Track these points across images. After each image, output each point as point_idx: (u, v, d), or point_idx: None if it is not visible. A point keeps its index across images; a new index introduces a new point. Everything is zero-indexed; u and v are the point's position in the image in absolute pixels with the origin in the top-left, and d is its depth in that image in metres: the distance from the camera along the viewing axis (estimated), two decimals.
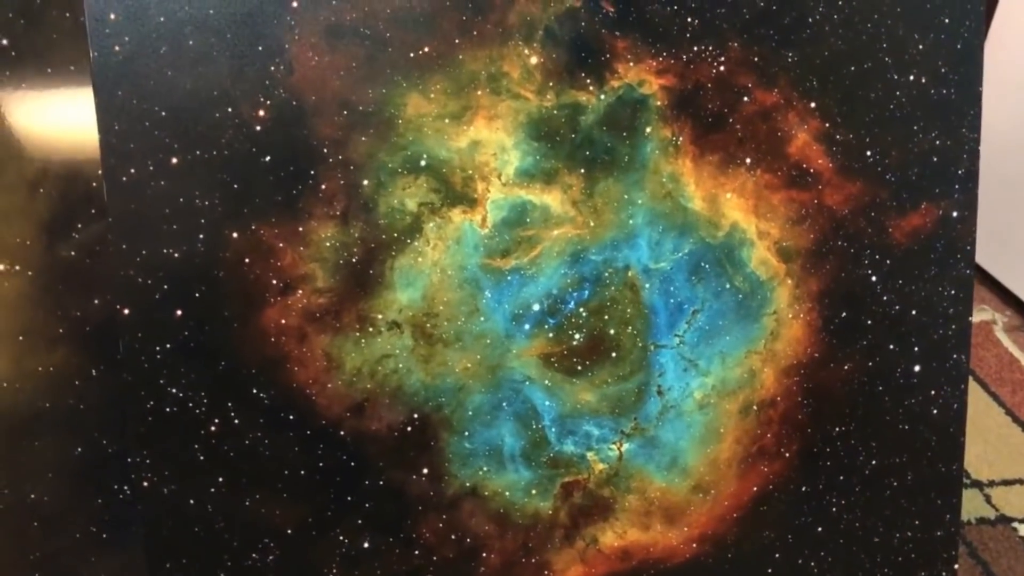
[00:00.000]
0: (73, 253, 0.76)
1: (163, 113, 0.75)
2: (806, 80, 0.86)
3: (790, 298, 0.90)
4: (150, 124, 0.74)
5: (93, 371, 0.77)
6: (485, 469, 0.85)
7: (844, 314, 0.91)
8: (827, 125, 0.87)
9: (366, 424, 0.82)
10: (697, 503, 0.91)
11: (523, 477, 0.87)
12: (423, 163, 0.80)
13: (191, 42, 0.74)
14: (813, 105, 0.87)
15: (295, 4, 0.76)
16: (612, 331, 0.86)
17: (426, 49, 0.79)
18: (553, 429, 0.86)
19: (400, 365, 0.82)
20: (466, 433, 0.84)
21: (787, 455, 0.93)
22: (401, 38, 0.78)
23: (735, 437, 0.91)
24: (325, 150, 0.78)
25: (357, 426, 0.82)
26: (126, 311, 0.76)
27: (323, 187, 0.78)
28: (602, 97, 0.83)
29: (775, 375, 0.91)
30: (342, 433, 0.82)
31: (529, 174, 0.82)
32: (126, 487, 0.78)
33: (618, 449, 0.88)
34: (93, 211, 0.75)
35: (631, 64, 0.83)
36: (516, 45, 0.81)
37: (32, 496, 0.77)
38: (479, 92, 0.80)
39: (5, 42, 0.73)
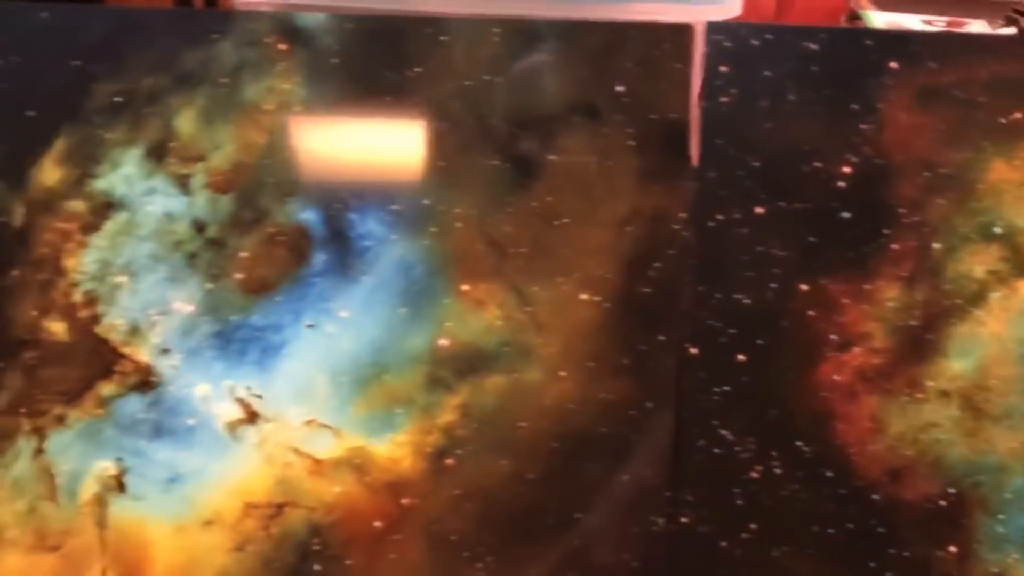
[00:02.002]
0: (649, 290, 0.79)
1: (756, 163, 0.77)
2: None
3: None
4: (743, 173, 0.77)
5: (648, 404, 0.79)
6: (1016, 556, 0.81)
7: None
8: None
9: (901, 492, 0.80)
10: None
11: None
12: (997, 230, 0.78)
13: (791, 96, 0.76)
14: None
15: (895, 64, 0.76)
16: None
17: (1018, 115, 0.77)
18: None
19: (943, 436, 0.79)
20: (1001, 516, 0.80)
21: None
22: (994, 103, 0.77)
23: None
24: (902, 210, 0.77)
25: (892, 492, 0.80)
26: (693, 350, 0.78)
27: (894, 247, 0.78)
28: None
29: None
30: (876, 497, 0.80)
31: None
32: (661, 520, 0.80)
33: None
34: (673, 252, 0.78)
35: None
36: None
37: (576, 515, 0.80)
38: None
39: (621, 88, 0.77)
